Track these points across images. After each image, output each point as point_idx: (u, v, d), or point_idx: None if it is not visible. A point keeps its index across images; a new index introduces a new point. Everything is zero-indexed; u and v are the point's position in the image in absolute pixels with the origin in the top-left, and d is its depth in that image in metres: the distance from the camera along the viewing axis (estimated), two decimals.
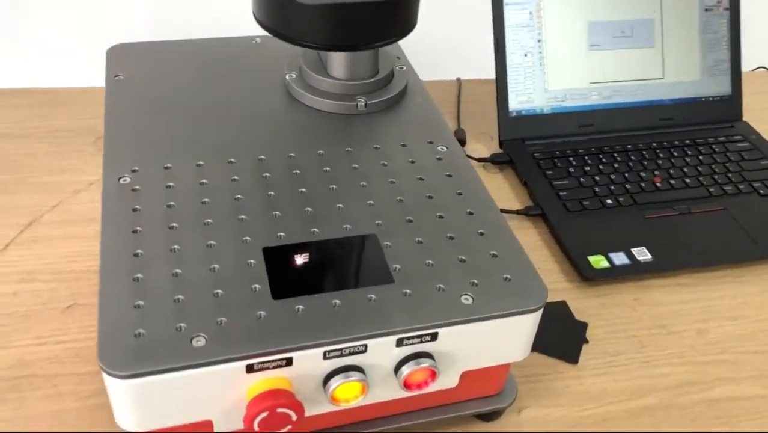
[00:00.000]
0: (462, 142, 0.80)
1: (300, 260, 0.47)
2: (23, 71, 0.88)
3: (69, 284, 0.60)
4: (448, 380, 0.47)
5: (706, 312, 0.63)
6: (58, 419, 0.50)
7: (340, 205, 0.51)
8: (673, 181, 0.75)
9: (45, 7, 0.90)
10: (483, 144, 0.81)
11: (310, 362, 0.42)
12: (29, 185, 0.70)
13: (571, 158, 0.76)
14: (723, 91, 0.84)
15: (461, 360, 0.46)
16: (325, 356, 0.42)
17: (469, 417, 0.53)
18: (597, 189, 0.73)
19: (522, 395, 0.55)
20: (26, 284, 0.60)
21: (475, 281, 0.46)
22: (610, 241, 0.67)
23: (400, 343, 0.43)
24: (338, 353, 0.42)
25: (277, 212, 0.50)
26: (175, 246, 0.46)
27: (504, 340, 0.47)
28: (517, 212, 0.71)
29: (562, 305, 0.62)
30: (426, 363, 0.44)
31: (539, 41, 0.79)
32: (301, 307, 0.43)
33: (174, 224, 0.48)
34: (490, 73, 0.78)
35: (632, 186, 0.74)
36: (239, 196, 0.51)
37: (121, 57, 0.65)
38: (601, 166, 0.76)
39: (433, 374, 0.45)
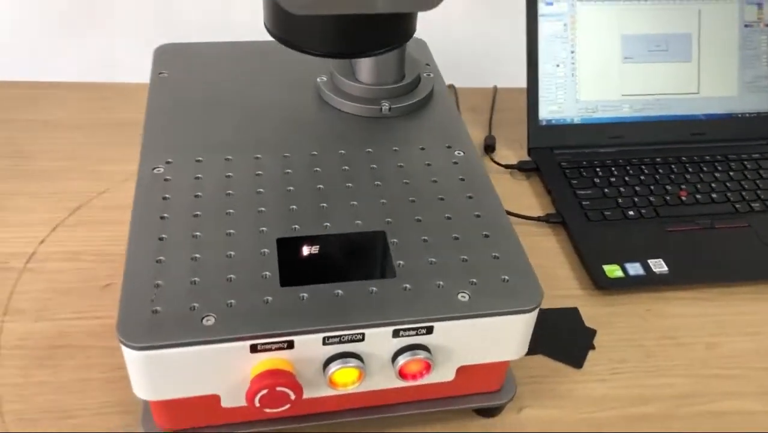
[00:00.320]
0: (491, 148, 0.82)
1: (309, 251, 0.50)
2: (96, 66, 0.94)
3: (108, 264, 0.65)
4: (444, 374, 0.50)
5: (719, 326, 0.64)
6: (86, 386, 0.55)
7: (354, 203, 0.54)
8: (699, 196, 0.75)
9: (121, 6, 0.96)
10: (513, 151, 0.83)
11: (310, 346, 0.45)
12: (84, 172, 0.76)
13: (598, 169, 0.77)
14: (761, 108, 0.84)
15: (457, 355, 0.49)
16: (325, 341, 0.45)
17: (470, 413, 0.55)
18: (620, 200, 0.74)
19: (524, 395, 0.57)
20: (70, 263, 0.65)
21: (474, 280, 0.48)
22: (627, 251, 0.68)
23: (396, 334, 0.46)
24: (337, 339, 0.45)
25: (294, 206, 0.53)
26: (197, 233, 0.50)
27: (499, 338, 0.49)
28: (538, 219, 0.72)
29: (573, 312, 0.64)
30: (421, 355, 0.47)
31: (572, 52, 0.80)
32: (305, 295, 0.46)
33: (198, 213, 0.52)
34: None
35: (656, 199, 0.74)
36: (261, 189, 0.54)
37: (167, 56, 0.69)
38: (627, 178, 0.76)
39: (428, 366, 0.47)
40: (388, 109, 0.63)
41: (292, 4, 0.30)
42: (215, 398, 0.47)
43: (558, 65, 0.80)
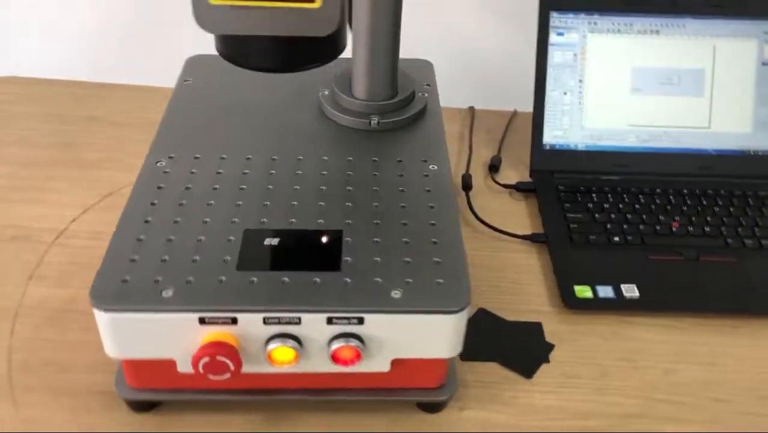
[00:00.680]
0: (495, 168, 0.86)
1: (270, 242, 0.56)
2: (158, 72, 1.04)
3: None
4: (378, 364, 0.54)
5: (679, 354, 0.65)
6: (82, 346, 0.62)
7: (322, 203, 0.59)
8: (691, 228, 0.76)
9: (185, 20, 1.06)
10: (517, 172, 0.86)
11: (252, 324, 0.51)
12: (121, 165, 0.85)
13: (594, 194, 0.80)
14: None
15: (389, 347, 0.53)
16: (265, 321, 0.51)
17: (413, 407, 0.59)
18: (609, 226, 0.76)
19: (468, 396, 0.60)
20: (93, 241, 0.74)
21: (410, 281, 0.53)
22: (602, 274, 0.70)
23: (330, 321, 0.51)
24: (276, 320, 0.51)
25: (268, 202, 0.59)
26: (178, 219, 0.57)
27: (428, 335, 0.53)
28: (523, 237, 0.75)
29: (536, 326, 0.67)
30: (353, 343, 0.52)
31: (581, 81, 0.83)
32: (255, 279, 0.52)
33: (184, 202, 0.59)
34: None
35: (646, 227, 0.76)
36: (243, 186, 0.61)
37: (195, 65, 0.78)
38: (621, 205, 0.78)
39: (359, 354, 0.52)
40: (376, 123, 0.68)
41: (205, 24, 0.36)
42: (172, 363, 0.53)
43: (565, 93, 0.83)
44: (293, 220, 0.58)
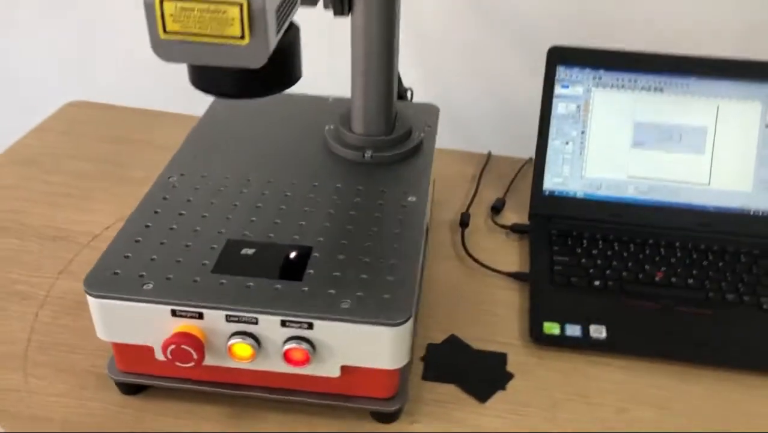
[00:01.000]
0: (497, 210, 0.90)
1: (246, 252, 0.63)
2: (195, 102, 1.15)
3: None
4: (329, 369, 0.60)
5: (634, 396, 0.66)
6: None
7: (303, 223, 0.66)
8: (674, 279, 0.77)
9: None
10: (517, 215, 0.90)
11: (216, 320, 0.58)
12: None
13: (585, 240, 0.82)
14: None
15: (337, 354, 0.59)
16: (227, 319, 0.58)
17: (366, 415, 0.64)
18: (592, 270, 0.78)
19: (421, 412, 0.64)
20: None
21: (361, 294, 0.58)
22: (574, 314, 0.73)
23: (284, 324, 0.57)
24: (236, 319, 0.58)
25: (254, 218, 0.67)
26: (174, 225, 0.65)
27: (371, 345, 0.58)
28: (507, 274, 0.79)
29: (501, 356, 0.70)
30: (303, 345, 0.58)
31: (583, 132, 0.86)
32: (224, 281, 0.59)
33: (183, 212, 0.67)
34: None
35: (629, 274, 0.78)
36: (237, 203, 0.69)
37: (223, 100, 0.87)
38: (609, 252, 0.81)
39: (308, 356, 0.58)
40: (369, 156, 0.75)
41: (160, 54, 0.44)
42: (150, 349, 0.61)
43: (567, 142, 0.87)
44: (272, 234, 0.65)
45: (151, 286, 0.59)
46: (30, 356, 0.69)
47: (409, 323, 0.57)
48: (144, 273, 0.60)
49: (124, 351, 0.63)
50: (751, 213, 0.85)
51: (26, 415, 0.64)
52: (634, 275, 0.78)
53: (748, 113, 0.84)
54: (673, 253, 0.81)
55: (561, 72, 0.86)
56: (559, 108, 0.87)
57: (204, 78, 0.50)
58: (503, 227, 0.87)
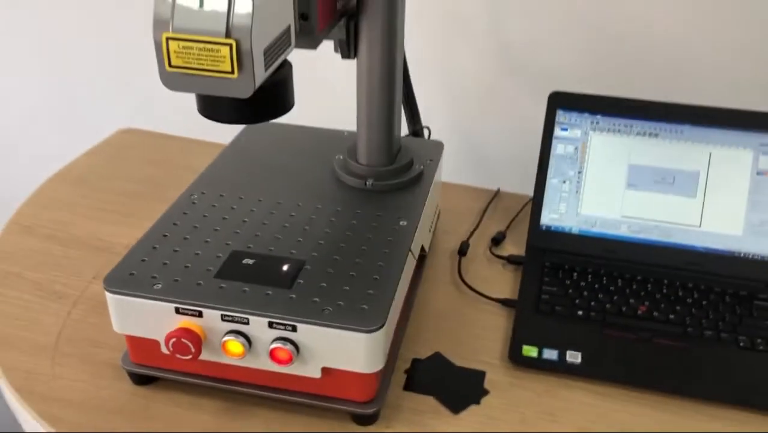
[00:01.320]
0: (497, 241, 0.96)
1: (247, 261, 0.70)
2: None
3: None
4: (311, 370, 0.66)
5: (599, 418, 0.70)
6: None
7: (301, 239, 0.74)
8: (656, 313, 0.81)
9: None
10: (516, 247, 0.95)
11: (213, 319, 0.66)
12: None
13: (575, 273, 0.87)
14: (766, 252, 0.87)
15: (318, 356, 0.65)
16: (222, 318, 0.65)
17: (348, 418, 0.70)
18: (578, 301, 0.83)
19: (397, 418, 0.70)
20: None
21: (342, 303, 0.65)
22: (553, 340, 0.77)
23: (271, 325, 0.64)
24: (230, 318, 0.65)
25: (259, 234, 0.75)
26: (188, 236, 0.74)
27: (348, 349, 0.64)
28: (496, 300, 0.85)
29: (479, 373, 0.75)
30: (288, 346, 0.64)
31: (579, 173, 0.92)
32: (223, 286, 0.67)
33: (197, 225, 0.76)
34: None
35: (612, 306, 0.82)
36: (246, 219, 0.77)
37: (251, 130, 0.96)
38: (597, 285, 0.85)
39: (291, 356, 0.65)
40: (370, 184, 0.82)
41: (167, 84, 0.52)
42: (157, 343, 0.69)
43: (564, 181, 0.92)
44: (272, 248, 0.72)
45: (160, 286, 0.67)
46: (59, 347, 0.78)
47: (383, 331, 0.64)
48: (156, 275, 0.68)
49: (136, 344, 0.71)
50: (741, 256, 0.88)
51: (50, 396, 0.72)
52: (617, 308, 0.82)
53: (740, 160, 0.88)
54: (659, 289, 0.85)
55: (560, 115, 0.92)
56: (558, 149, 0.93)
57: (206, 106, 0.58)
58: (500, 257, 0.93)
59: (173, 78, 0.52)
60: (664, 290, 0.85)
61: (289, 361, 0.65)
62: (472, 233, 0.97)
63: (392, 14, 0.74)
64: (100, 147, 1.20)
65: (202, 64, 0.51)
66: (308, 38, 0.65)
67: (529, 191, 1.06)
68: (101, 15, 1.42)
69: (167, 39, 0.51)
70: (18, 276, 0.88)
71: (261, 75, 0.52)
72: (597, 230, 0.91)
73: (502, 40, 1.20)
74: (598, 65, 1.16)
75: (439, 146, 0.93)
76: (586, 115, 0.92)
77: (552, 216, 0.93)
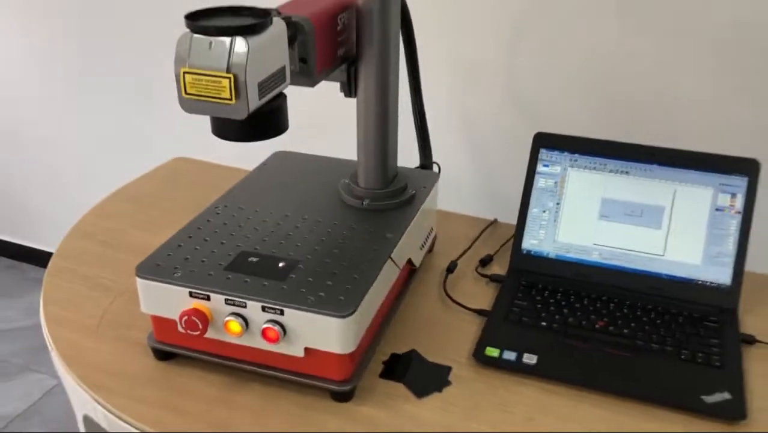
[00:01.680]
0: (484, 262, 1.08)
1: (252, 260, 0.85)
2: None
3: None
4: (295, 349, 0.80)
5: (544, 411, 0.81)
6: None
7: (298, 244, 0.88)
8: (612, 328, 0.91)
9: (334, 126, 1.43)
10: (500, 268, 1.07)
11: (218, 302, 0.80)
12: None
13: (547, 291, 0.98)
14: (720, 280, 0.96)
15: (301, 336, 0.79)
16: (225, 302, 0.80)
17: (327, 395, 0.82)
18: (544, 314, 0.94)
19: (369, 399, 0.82)
20: None
21: (323, 294, 0.79)
22: (514, 344, 0.88)
23: (264, 309, 0.78)
24: (232, 302, 0.79)
25: (266, 239, 0.89)
26: (208, 238, 0.89)
27: (326, 332, 0.77)
28: (472, 310, 0.96)
29: (446, 368, 0.87)
30: (276, 327, 0.78)
31: (558, 204, 1.03)
32: (230, 277, 0.82)
33: (217, 230, 0.91)
34: None
35: (574, 320, 0.92)
36: (257, 228, 0.92)
37: (277, 157, 1.12)
38: (564, 302, 0.96)
39: (278, 335, 0.78)
40: (366, 204, 0.96)
41: (184, 107, 0.68)
42: (175, 323, 0.84)
43: (544, 211, 1.04)
44: (275, 250, 0.87)
45: (179, 275, 0.82)
46: (101, 328, 0.94)
47: (354, 318, 0.77)
48: (177, 266, 0.84)
49: (159, 324, 0.86)
50: (698, 283, 0.97)
51: (87, 365, 0.88)
52: (578, 322, 0.93)
53: (701, 198, 0.98)
54: (620, 309, 0.95)
55: (543, 153, 1.05)
56: (539, 182, 1.05)
57: (216, 127, 0.74)
58: (483, 276, 1.05)
59: (188, 103, 0.68)
60: (624, 310, 0.95)
61: (277, 339, 0.79)
62: (462, 254, 1.09)
63: (385, 62, 0.89)
64: (155, 171, 1.39)
65: (209, 93, 0.67)
66: (307, 78, 0.80)
67: None
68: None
69: (184, 73, 0.67)
70: (72, 271, 1.06)
71: (255, 102, 0.68)
72: (571, 255, 1.02)
73: (515, 96, 1.34)
74: (597, 115, 1.28)
75: (434, 176, 1.06)
76: (566, 153, 1.04)
77: (532, 241, 1.04)
